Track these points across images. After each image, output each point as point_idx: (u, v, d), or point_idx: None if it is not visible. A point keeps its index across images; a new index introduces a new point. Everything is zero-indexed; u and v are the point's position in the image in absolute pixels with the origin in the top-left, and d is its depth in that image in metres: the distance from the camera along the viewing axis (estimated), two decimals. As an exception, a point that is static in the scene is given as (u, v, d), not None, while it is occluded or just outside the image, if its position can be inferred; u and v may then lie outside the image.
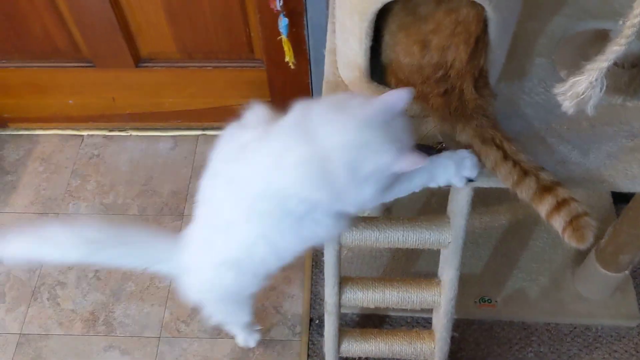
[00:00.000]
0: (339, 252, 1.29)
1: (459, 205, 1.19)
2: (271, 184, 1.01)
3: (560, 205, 0.97)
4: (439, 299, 1.35)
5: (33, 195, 1.99)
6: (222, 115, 2.03)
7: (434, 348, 1.43)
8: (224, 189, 1.11)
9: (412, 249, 1.72)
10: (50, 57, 1.89)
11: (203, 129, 2.11)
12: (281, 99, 1.95)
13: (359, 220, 1.27)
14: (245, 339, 1.62)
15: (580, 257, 1.71)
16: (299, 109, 0.99)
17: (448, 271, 1.30)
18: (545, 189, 0.99)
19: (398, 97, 0.91)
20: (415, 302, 1.36)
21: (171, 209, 1.95)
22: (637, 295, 1.68)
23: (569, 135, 1.15)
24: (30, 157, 2.08)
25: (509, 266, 1.74)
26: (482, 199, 1.80)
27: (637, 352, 1.61)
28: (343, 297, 1.36)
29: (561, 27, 1.31)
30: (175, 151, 2.08)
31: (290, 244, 1.12)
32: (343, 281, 1.36)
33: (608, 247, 1.52)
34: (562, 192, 0.98)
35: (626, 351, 1.61)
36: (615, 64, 1.62)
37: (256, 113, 1.15)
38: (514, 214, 1.83)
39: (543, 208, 0.99)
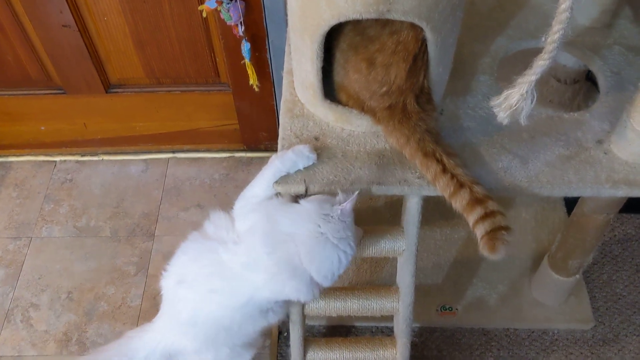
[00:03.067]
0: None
1: (411, 214, 1.26)
2: (255, 296, 1.20)
3: (486, 216, 1.06)
4: (398, 305, 1.41)
5: (6, 220, 2.03)
6: (192, 137, 2.12)
7: (396, 354, 1.49)
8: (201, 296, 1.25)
9: (376, 260, 1.80)
10: (22, 85, 1.94)
11: (174, 152, 2.17)
12: (248, 120, 2.03)
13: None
14: None
15: (535, 265, 1.79)
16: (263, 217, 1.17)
17: (404, 278, 1.36)
18: (477, 200, 1.07)
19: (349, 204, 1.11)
20: (375, 309, 1.42)
21: (142, 230, 1.99)
22: (591, 299, 1.77)
23: (510, 145, 1.23)
24: (4, 183, 2.12)
25: (469, 275, 1.81)
26: (442, 213, 1.88)
27: (592, 353, 1.68)
28: (306, 306, 1.42)
29: (503, 47, 1.41)
30: (146, 174, 2.14)
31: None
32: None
33: (558, 253, 1.60)
34: (491, 205, 1.07)
35: (582, 353, 1.69)
36: (558, 80, 1.74)
37: (215, 222, 1.31)
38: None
39: (472, 217, 1.08)
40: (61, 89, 1.95)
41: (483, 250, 1.05)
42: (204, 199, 2.06)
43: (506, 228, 1.05)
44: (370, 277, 1.80)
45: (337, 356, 1.51)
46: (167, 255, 1.89)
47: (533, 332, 1.72)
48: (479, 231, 1.05)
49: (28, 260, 1.93)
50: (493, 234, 1.04)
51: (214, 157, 2.17)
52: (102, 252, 1.94)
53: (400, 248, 1.32)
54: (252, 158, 2.17)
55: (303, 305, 1.41)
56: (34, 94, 1.96)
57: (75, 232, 1.99)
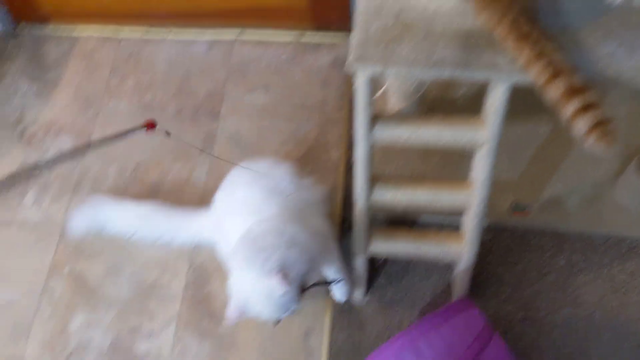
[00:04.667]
0: (371, 149, 1.28)
1: (496, 103, 1.15)
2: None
3: (587, 107, 0.93)
4: (470, 200, 1.33)
5: (75, 92, 2.02)
6: (260, 14, 2.01)
7: (462, 249, 1.44)
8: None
9: (448, 153, 1.70)
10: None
11: (239, 31, 2.08)
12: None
13: (392, 118, 1.24)
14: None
15: (623, 168, 1.66)
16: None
17: (481, 172, 1.27)
18: (575, 90, 0.95)
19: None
20: (445, 203, 1.35)
21: (207, 110, 1.95)
22: (679, 209, 1.64)
23: (618, 30, 1.08)
24: (72, 54, 2.10)
25: (548, 174, 1.70)
26: (525, 105, 1.74)
27: (673, 265, 1.58)
28: (373, 195, 1.36)
29: None
30: (211, 54, 2.07)
31: None
32: (373, 179, 1.36)
33: (651, 157, 1.46)
34: (592, 96, 0.94)
35: (661, 263, 1.59)
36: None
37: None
38: (557, 122, 1.77)
39: (569, 109, 0.95)
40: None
41: (592, 145, 0.93)
42: (270, 80, 1.99)
43: (612, 121, 0.93)
44: (440, 171, 1.72)
45: (401, 247, 1.47)
46: (232, 137, 1.88)
47: (610, 238, 1.63)
48: (582, 124, 0.93)
49: (96, 133, 1.94)
50: (603, 127, 0.91)
51: (281, 40, 2.06)
52: (167, 128, 1.91)
53: (480, 140, 1.22)
54: (320, 43, 2.05)
55: (368, 195, 1.35)
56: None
57: (141, 107, 1.97)
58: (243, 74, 2.01)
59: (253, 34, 2.07)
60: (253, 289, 1.22)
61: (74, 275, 1.71)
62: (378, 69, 1.09)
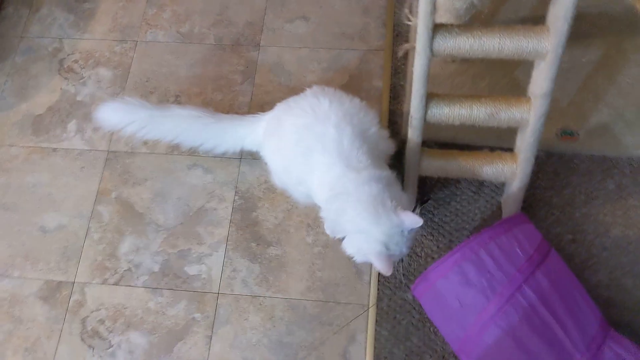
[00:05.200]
0: (429, 63, 1.27)
1: (563, 8, 1.13)
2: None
3: None
4: (528, 115, 1.33)
5: (111, 23, 2.00)
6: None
7: (516, 168, 1.44)
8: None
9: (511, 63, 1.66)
10: None
11: (278, -40, 2.04)
12: None
13: (453, 27, 1.23)
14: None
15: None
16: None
17: (542, 85, 1.26)
18: None
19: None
20: (503, 119, 1.34)
21: (247, 39, 1.93)
22: None
23: None
24: (106, -15, 2.08)
25: (595, 101, 1.69)
26: (573, 31, 1.72)
27: None
28: (429, 111, 1.36)
29: None
30: (249, -18, 2.04)
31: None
32: (429, 96, 1.35)
33: None
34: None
35: None
36: None
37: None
38: (605, 49, 1.75)
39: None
40: None
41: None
42: (309, 11, 1.96)
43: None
44: (503, 86, 1.70)
45: (454, 167, 1.47)
46: (273, 67, 1.87)
47: (659, 162, 1.62)
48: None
49: (135, 64, 1.92)
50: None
51: (320, -33, 2.03)
52: (207, 59, 1.90)
53: (544, 49, 1.21)
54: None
55: (425, 111, 1.35)
56: None
57: (180, 38, 1.96)
58: (282, 3, 1.98)
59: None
60: (387, 236, 1.24)
61: (121, 201, 1.72)
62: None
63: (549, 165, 1.64)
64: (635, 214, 1.57)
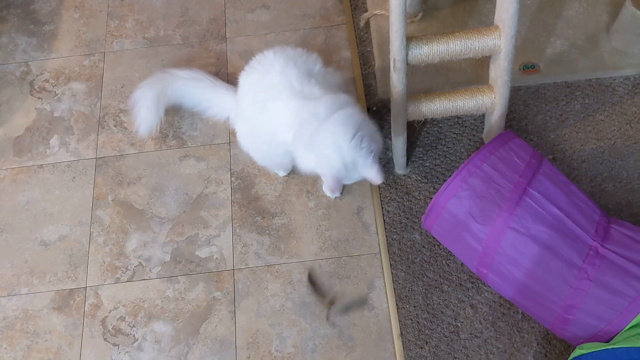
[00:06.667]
0: (405, 3, 1.36)
1: None
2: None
3: None
4: (500, 41, 1.44)
5: (75, 40, 2.03)
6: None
7: (495, 97, 1.55)
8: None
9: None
10: None
11: (228, -42, 2.13)
12: None
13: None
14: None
15: (612, 18, 1.81)
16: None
17: (508, 8, 1.37)
18: None
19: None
20: (477, 48, 1.44)
21: (213, 34, 2.00)
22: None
23: None
24: (63, 7, 2.10)
25: (547, 35, 1.83)
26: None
27: (673, 93, 1.74)
28: (410, 53, 1.45)
29: None
30: (204, -17, 2.11)
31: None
32: (408, 40, 1.44)
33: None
34: None
35: (663, 94, 1.74)
36: None
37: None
38: (545, -10, 1.91)
39: None
40: None
41: None
42: (267, -1, 2.05)
43: None
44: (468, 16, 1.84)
45: (438, 107, 1.57)
46: (243, 54, 1.94)
47: (615, 79, 1.77)
48: None
49: (107, 73, 1.95)
50: None
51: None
52: (178, 58, 1.96)
53: (506, -27, 1.32)
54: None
55: (406, 53, 1.44)
56: None
57: (147, 42, 2.00)
58: (240, -4, 2.06)
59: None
60: (344, 161, 1.32)
61: (119, 202, 1.73)
62: None
63: (518, 98, 1.77)
64: (604, 127, 1.71)
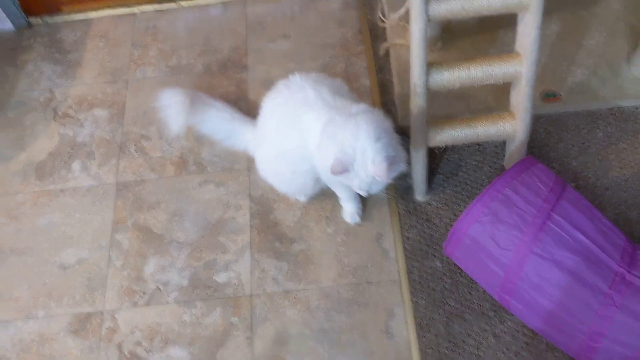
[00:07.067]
0: (426, 28, 1.37)
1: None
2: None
3: None
4: (521, 67, 1.44)
5: (99, 68, 2.07)
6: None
7: (516, 124, 1.54)
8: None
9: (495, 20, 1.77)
10: None
11: (249, -9, 2.18)
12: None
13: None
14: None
15: (631, 47, 1.81)
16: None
17: (529, 34, 1.38)
18: None
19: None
20: (498, 74, 1.45)
21: (234, 62, 2.03)
22: (691, 74, 1.78)
23: None
24: (88, 36, 2.15)
25: (568, 64, 1.84)
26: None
27: (697, 122, 1.72)
28: (431, 79, 1.45)
29: None
30: (227, 14, 2.15)
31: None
32: (429, 65, 1.45)
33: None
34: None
35: (687, 123, 1.73)
36: None
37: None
38: (564, 20, 1.92)
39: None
40: None
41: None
42: (288, 30, 2.08)
43: None
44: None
45: (459, 133, 1.56)
46: (264, 83, 1.96)
47: (637, 108, 1.76)
48: None
49: (129, 100, 1.98)
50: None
51: (290, -8, 2.17)
52: (198, 86, 1.98)
53: (525, 1, 1.33)
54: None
55: (427, 78, 1.44)
56: None
57: (169, 71, 2.03)
58: (262, 26, 2.10)
59: (262, -8, 2.17)
60: (358, 149, 1.31)
61: (138, 226, 1.74)
62: None
63: (540, 126, 1.76)
64: (627, 155, 1.69)
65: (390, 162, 1.31)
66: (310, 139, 1.42)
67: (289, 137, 1.48)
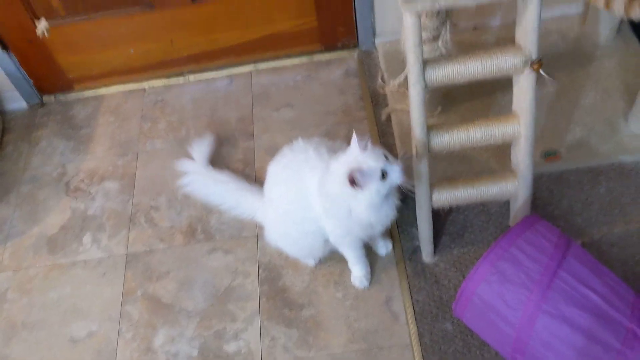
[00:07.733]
0: (424, 93, 1.42)
1: (530, 21, 1.32)
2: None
3: None
4: (519, 127, 1.47)
5: (110, 142, 2.13)
6: (272, 43, 2.20)
7: (518, 183, 1.56)
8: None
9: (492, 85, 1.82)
10: (111, 5, 2.03)
11: (255, 63, 2.26)
12: (326, 13, 2.10)
13: (439, 58, 1.40)
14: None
15: (627, 104, 1.86)
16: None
17: (525, 95, 1.42)
18: None
19: None
20: (497, 135, 1.48)
21: (241, 132, 2.08)
22: (689, 128, 1.81)
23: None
24: (99, 112, 2.23)
25: (566, 122, 1.87)
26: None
27: (699, 174, 1.74)
28: (431, 141, 1.48)
29: None
30: (233, 86, 2.23)
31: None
32: (429, 127, 1.49)
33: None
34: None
35: (688, 176, 1.74)
36: None
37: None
38: (559, 81, 1.97)
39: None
40: (149, 4, 2.04)
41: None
42: (292, 98, 2.15)
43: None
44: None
45: (462, 193, 1.58)
46: (269, 150, 2.01)
47: (637, 162, 1.78)
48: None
49: (139, 171, 2.03)
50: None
51: (294, 63, 2.25)
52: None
53: (519, 63, 1.38)
54: (329, 60, 2.25)
55: (427, 141, 1.48)
56: (123, 11, 2.05)
57: (178, 142, 2.09)
58: (267, 96, 2.16)
59: (268, 64, 2.25)
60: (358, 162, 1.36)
61: (147, 297, 1.74)
62: (427, 4, 1.26)
63: (541, 184, 1.78)
64: (631, 210, 1.70)
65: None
66: (313, 198, 1.46)
67: (293, 198, 1.52)
